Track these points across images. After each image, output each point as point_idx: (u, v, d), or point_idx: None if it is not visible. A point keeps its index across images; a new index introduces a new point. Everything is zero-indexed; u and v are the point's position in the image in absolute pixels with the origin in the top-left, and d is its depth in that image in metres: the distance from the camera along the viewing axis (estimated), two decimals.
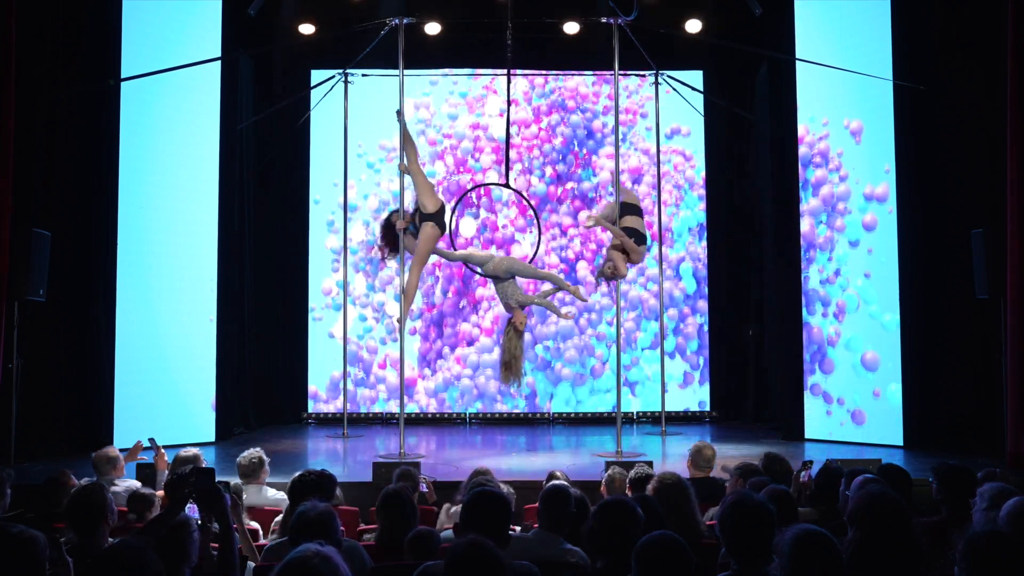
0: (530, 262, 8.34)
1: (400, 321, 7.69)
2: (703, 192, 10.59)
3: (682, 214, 10.59)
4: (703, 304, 10.53)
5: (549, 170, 10.57)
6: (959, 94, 7.86)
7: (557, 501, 3.52)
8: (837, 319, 8.49)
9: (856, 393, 8.34)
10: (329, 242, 10.51)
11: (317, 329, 10.46)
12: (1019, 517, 2.98)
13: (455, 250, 8.69)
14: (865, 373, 8.28)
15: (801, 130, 8.80)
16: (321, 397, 10.39)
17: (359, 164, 10.44)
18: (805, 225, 8.74)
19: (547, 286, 7.88)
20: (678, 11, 9.55)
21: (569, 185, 10.53)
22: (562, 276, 8.74)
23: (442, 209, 7.59)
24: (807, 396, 8.65)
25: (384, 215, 8.29)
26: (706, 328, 10.52)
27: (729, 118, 10.24)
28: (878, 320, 8.21)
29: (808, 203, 8.74)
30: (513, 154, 9.81)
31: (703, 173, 10.58)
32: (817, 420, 8.55)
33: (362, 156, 10.49)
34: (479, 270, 8.04)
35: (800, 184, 8.79)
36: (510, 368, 7.51)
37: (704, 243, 10.56)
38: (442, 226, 7.61)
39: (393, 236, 7.67)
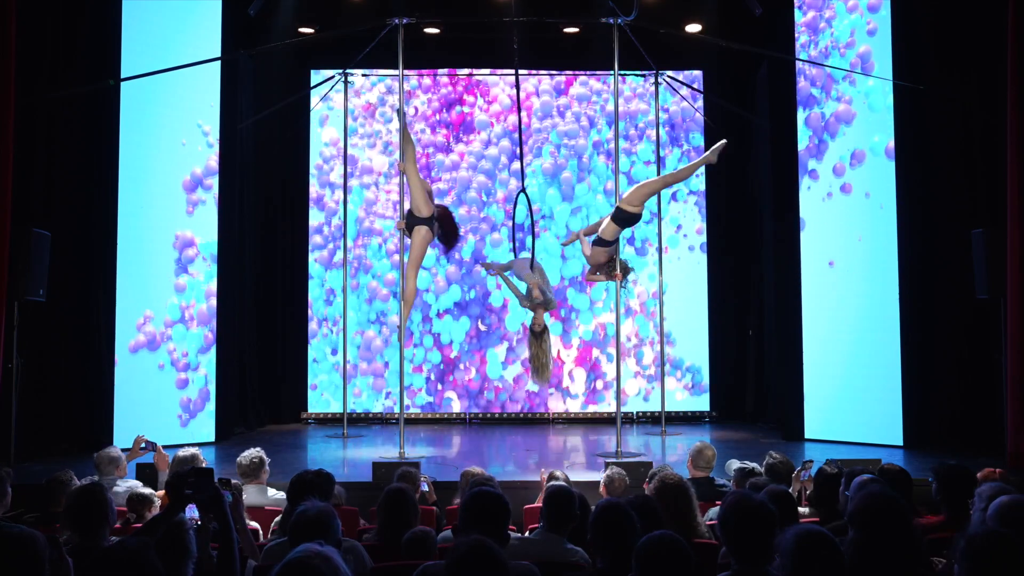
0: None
1: (400, 327, 7.63)
2: (703, 192, 10.59)
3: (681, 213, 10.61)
4: (703, 303, 10.53)
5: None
6: (959, 94, 7.85)
7: (560, 502, 3.52)
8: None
9: None
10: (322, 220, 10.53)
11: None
12: (1007, 514, 2.98)
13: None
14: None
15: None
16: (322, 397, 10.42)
17: (359, 163, 10.47)
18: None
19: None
20: (678, 11, 9.56)
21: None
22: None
23: (436, 215, 7.43)
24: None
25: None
26: (706, 328, 10.51)
27: (729, 118, 10.24)
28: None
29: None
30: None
31: (703, 173, 10.58)
32: (817, 420, 8.55)
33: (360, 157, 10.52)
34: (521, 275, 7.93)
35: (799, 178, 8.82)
36: (536, 371, 7.54)
37: (704, 243, 10.56)
38: (435, 231, 7.43)
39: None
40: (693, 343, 10.49)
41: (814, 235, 8.71)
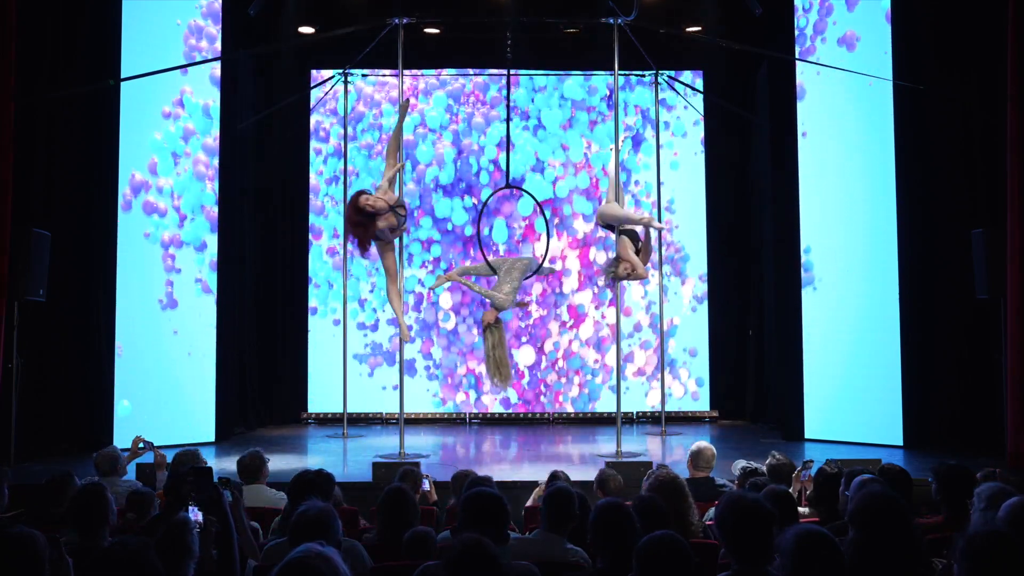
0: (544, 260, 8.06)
1: (402, 337, 7.53)
2: (703, 191, 10.59)
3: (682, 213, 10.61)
4: (703, 304, 10.53)
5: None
6: (959, 94, 7.85)
7: (560, 502, 3.52)
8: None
9: None
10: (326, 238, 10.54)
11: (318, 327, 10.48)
12: (1018, 515, 2.98)
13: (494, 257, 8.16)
14: None
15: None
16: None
17: (360, 164, 10.48)
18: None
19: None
20: (678, 11, 9.56)
21: None
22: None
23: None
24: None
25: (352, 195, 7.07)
26: (706, 328, 10.51)
27: (729, 118, 10.24)
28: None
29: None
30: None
31: (703, 173, 10.58)
32: (817, 420, 8.55)
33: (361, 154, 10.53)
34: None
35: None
36: (488, 371, 7.29)
37: (704, 243, 10.56)
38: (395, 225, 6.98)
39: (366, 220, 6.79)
40: (694, 341, 10.50)
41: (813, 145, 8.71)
